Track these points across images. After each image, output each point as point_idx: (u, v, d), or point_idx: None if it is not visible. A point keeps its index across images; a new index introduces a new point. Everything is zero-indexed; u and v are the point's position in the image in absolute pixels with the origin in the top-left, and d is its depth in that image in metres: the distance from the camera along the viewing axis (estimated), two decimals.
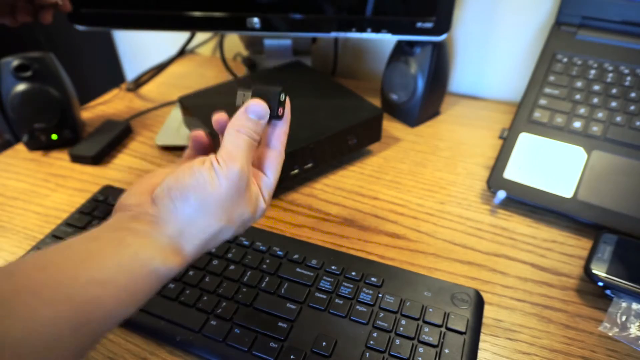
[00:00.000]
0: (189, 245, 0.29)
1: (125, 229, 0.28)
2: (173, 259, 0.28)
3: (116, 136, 0.64)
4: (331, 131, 0.52)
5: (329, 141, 0.53)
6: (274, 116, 0.32)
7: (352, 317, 0.38)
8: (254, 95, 0.32)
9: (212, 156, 0.30)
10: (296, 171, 0.52)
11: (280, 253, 0.44)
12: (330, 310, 0.39)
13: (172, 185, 0.29)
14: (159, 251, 0.27)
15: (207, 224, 0.29)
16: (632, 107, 0.53)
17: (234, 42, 0.89)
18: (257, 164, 0.34)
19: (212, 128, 0.34)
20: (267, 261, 0.43)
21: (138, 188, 0.31)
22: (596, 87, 0.56)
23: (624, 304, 0.40)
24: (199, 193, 0.28)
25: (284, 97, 0.33)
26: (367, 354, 0.35)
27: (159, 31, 0.67)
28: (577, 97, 0.56)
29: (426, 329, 0.37)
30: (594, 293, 0.42)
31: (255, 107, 0.31)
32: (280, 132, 0.34)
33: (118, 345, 0.39)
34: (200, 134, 0.35)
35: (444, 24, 0.58)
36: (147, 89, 0.81)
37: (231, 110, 0.33)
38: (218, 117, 0.34)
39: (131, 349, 0.38)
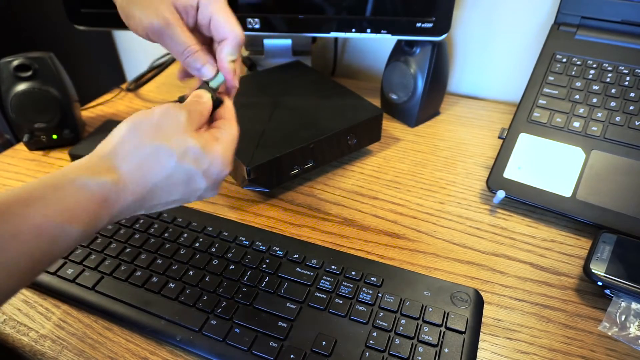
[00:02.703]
0: (124, 163, 0.30)
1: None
2: (105, 175, 0.29)
3: None
4: (331, 131, 0.53)
5: (329, 141, 0.53)
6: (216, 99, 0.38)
7: (352, 317, 0.38)
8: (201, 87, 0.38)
9: None
10: (296, 171, 0.52)
11: (280, 253, 0.44)
12: (330, 310, 0.39)
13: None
14: (85, 168, 0.29)
15: (140, 141, 0.30)
16: (632, 107, 0.53)
17: None
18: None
19: None
20: (267, 261, 0.43)
21: None
22: (595, 87, 0.56)
23: (623, 304, 0.40)
24: (132, 119, 0.31)
25: (216, 85, 0.38)
26: (367, 353, 0.35)
27: None
28: (577, 97, 0.56)
29: (426, 329, 0.37)
30: (593, 292, 0.43)
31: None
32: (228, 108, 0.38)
33: (118, 345, 0.39)
34: None
35: (443, 24, 0.58)
36: (147, 89, 0.81)
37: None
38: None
39: (131, 349, 0.39)
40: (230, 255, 0.44)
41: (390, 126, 0.68)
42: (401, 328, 0.37)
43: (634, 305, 0.40)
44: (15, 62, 0.58)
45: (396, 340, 0.36)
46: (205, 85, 0.38)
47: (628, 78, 0.55)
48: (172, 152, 0.31)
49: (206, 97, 0.36)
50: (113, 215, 0.29)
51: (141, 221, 0.48)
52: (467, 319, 0.38)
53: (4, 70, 0.59)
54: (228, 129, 0.35)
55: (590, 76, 0.57)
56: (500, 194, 0.51)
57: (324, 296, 0.40)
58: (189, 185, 0.32)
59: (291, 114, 0.56)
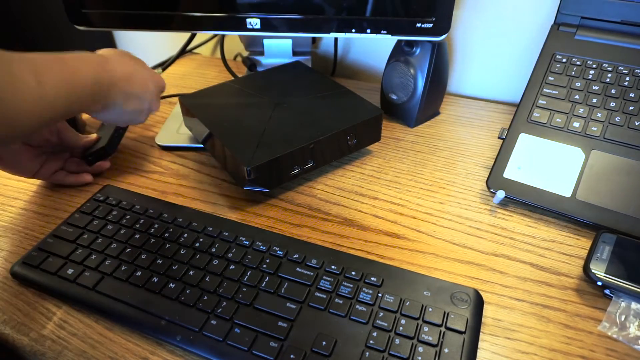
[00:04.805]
0: (106, 53, 0.49)
1: None
2: (98, 55, 0.47)
3: (116, 136, 0.64)
4: (331, 131, 0.53)
5: (329, 141, 0.53)
6: None
7: (352, 317, 0.38)
8: None
9: None
10: (296, 171, 0.52)
11: (280, 253, 0.44)
12: (330, 310, 0.39)
13: None
14: (89, 62, 0.45)
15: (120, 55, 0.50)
16: (631, 107, 0.53)
17: (234, 42, 0.89)
18: None
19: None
20: (267, 261, 0.43)
21: None
22: (595, 87, 0.56)
23: (623, 304, 0.40)
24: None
25: None
26: (367, 353, 0.36)
27: (159, 31, 0.67)
28: (576, 97, 0.56)
29: (426, 329, 0.37)
30: (593, 292, 0.43)
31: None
32: None
33: (118, 345, 0.39)
34: None
35: (443, 24, 0.58)
36: None
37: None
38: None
39: (132, 349, 0.39)
40: (230, 255, 0.44)
41: (390, 126, 0.68)
42: (401, 328, 0.37)
43: (633, 305, 0.40)
44: None
45: (396, 340, 0.36)
46: None
47: (628, 78, 0.55)
48: (136, 60, 0.52)
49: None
50: (111, 83, 0.46)
51: (141, 221, 0.48)
52: (467, 319, 0.38)
53: None
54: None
55: (590, 76, 0.57)
56: (500, 194, 0.51)
57: (324, 296, 0.40)
58: (144, 93, 0.50)
59: (291, 114, 0.56)
